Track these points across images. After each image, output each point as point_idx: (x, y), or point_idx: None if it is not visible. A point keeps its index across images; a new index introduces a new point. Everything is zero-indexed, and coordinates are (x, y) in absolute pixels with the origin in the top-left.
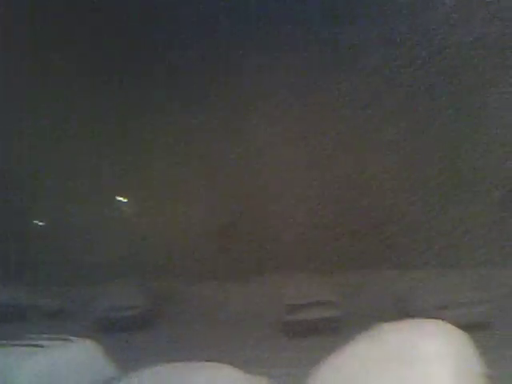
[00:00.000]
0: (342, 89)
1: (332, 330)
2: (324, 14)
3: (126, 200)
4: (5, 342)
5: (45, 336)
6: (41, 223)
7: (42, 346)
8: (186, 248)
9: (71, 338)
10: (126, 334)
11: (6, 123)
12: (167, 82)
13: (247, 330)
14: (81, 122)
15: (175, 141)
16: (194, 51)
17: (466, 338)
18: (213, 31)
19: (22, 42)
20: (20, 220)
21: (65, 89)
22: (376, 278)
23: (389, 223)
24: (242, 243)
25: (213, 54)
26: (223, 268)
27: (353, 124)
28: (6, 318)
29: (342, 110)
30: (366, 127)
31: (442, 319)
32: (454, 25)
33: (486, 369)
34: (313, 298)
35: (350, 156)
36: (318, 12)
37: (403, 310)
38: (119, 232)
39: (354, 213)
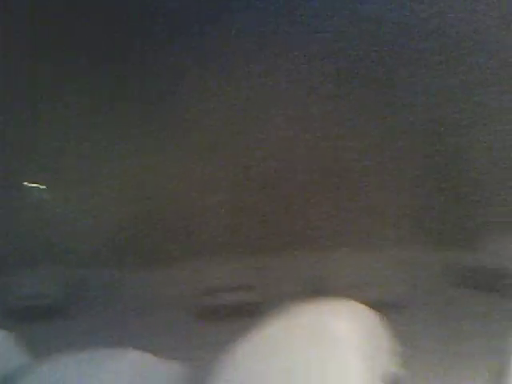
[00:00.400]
0: None
1: (250, 314)
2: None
3: (37, 185)
4: None
5: None
6: None
7: None
8: (101, 234)
9: None
10: (39, 322)
11: None
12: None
13: (165, 316)
14: None
15: (90, 126)
16: None
17: (377, 318)
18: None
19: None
20: None
21: None
22: (293, 261)
23: (305, 206)
24: (158, 229)
25: None
26: (140, 254)
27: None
28: None
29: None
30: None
31: (356, 299)
32: None
33: (398, 348)
34: (230, 282)
35: (259, 142)
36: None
37: (320, 290)
38: (30, 218)
39: (271, 197)
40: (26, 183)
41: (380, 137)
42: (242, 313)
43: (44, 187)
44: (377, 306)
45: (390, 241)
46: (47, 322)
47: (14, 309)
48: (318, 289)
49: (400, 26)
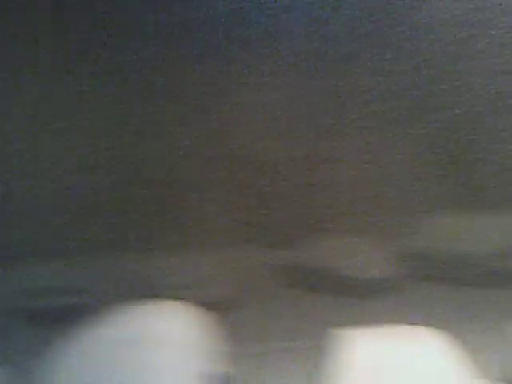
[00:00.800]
0: None
1: (80, 317)
2: None
3: None
4: None
5: None
6: None
7: None
8: None
9: None
10: None
11: None
12: None
13: None
14: None
15: None
16: None
17: (207, 318)
18: None
19: None
20: None
21: None
22: (126, 263)
23: (136, 209)
24: None
25: None
26: None
27: None
28: None
29: None
30: None
31: (185, 300)
32: None
33: (228, 348)
34: (60, 285)
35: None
36: None
37: (152, 292)
38: None
39: (108, 200)
40: None
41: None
42: (72, 316)
43: None
44: (206, 306)
45: (220, 241)
46: None
47: None
48: (149, 290)
49: None
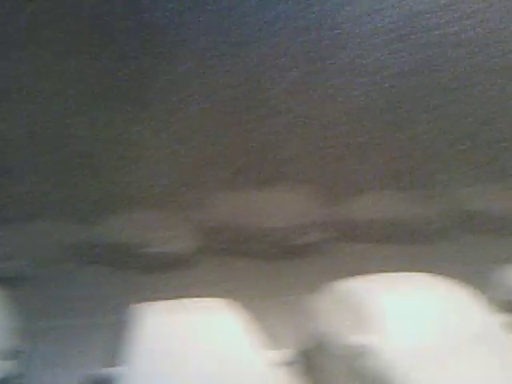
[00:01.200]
0: None
1: None
2: None
3: None
4: None
5: None
6: None
7: None
8: None
9: None
10: None
11: None
12: None
13: None
14: None
15: None
16: None
17: (2, 292)
18: None
19: None
20: None
21: None
22: None
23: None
24: None
25: None
26: None
27: None
28: None
29: None
30: None
31: None
32: None
33: (20, 322)
34: None
35: None
36: None
37: None
38: None
39: None
40: None
41: None
42: None
43: None
44: (3, 281)
45: (22, 216)
46: None
47: None
48: None
49: None
